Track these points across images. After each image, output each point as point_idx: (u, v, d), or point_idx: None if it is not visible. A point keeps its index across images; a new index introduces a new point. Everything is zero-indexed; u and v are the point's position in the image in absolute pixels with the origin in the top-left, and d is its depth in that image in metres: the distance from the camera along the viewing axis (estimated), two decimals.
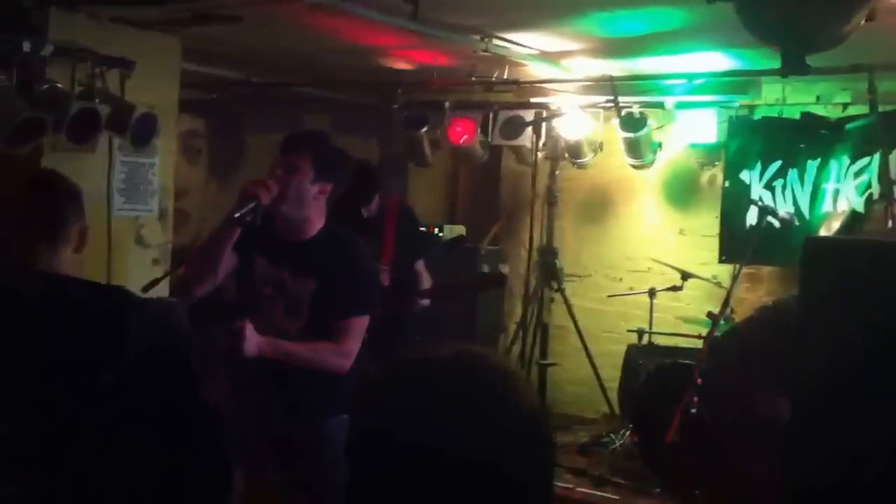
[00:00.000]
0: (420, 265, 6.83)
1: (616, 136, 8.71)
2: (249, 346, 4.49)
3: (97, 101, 6.90)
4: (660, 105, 8.65)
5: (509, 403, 1.60)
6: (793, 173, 8.18)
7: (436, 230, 9.47)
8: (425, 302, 6.81)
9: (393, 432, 1.56)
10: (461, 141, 9.24)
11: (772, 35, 4.84)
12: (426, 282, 6.85)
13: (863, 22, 4.64)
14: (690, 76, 7.97)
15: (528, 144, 9.15)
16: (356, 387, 4.90)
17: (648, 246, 9.36)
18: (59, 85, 6.77)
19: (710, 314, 7.37)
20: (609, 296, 9.16)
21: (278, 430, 4.77)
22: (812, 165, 8.06)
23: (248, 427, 4.73)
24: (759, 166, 8.36)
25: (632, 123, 8.55)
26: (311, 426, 4.74)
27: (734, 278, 7.30)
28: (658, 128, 8.75)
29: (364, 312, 4.80)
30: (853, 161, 7.83)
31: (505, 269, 8.88)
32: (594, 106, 8.94)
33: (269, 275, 4.75)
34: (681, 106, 8.56)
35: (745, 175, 8.42)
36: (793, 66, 4.83)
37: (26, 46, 6.58)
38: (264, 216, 4.56)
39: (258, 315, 4.68)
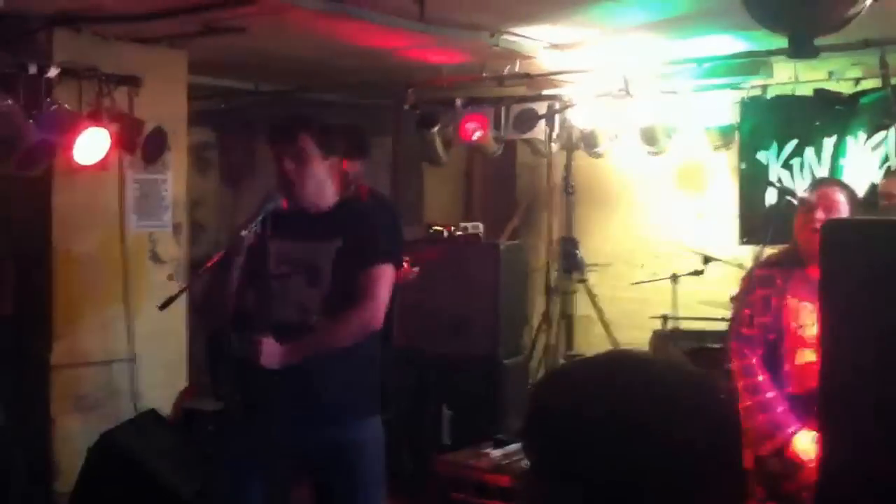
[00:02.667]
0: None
1: (630, 123, 8.63)
2: (270, 359, 4.46)
3: (106, 119, 6.90)
4: (672, 90, 8.57)
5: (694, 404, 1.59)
6: (809, 151, 8.11)
7: (453, 228, 9.42)
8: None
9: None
10: (474, 137, 9.17)
11: (778, 20, 4.79)
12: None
13: (870, 1, 4.59)
14: (700, 60, 7.90)
15: (542, 137, 9.09)
16: (383, 388, 4.87)
17: (668, 231, 9.29)
18: (66, 106, 6.77)
19: (734, 297, 7.31)
20: (632, 283, 9.10)
21: (306, 435, 4.64)
22: (828, 142, 7.99)
23: (276, 433, 4.65)
24: (774, 146, 8.29)
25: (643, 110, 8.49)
26: (339, 429, 4.64)
27: (756, 259, 7.24)
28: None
29: (387, 260, 4.71)
30: (869, 136, 7.75)
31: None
32: (606, 95, 8.87)
33: (285, 252, 4.69)
34: (693, 90, 8.48)
35: (761, 155, 8.36)
36: (801, 50, 4.78)
37: (32, 69, 6.58)
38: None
39: (278, 297, 4.65)
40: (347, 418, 4.67)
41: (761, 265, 5.54)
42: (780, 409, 5.06)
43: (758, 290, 5.25)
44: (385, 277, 4.66)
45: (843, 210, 5.06)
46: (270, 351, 4.46)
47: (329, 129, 4.78)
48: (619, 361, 1.69)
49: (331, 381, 4.60)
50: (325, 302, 4.61)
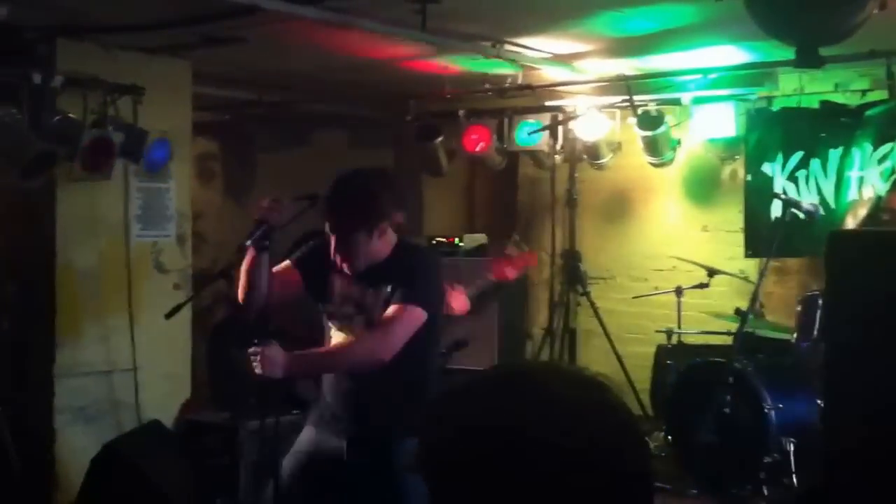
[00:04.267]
0: None
1: (634, 134, 8.61)
2: (273, 368, 4.42)
3: (110, 129, 6.89)
4: (676, 102, 8.54)
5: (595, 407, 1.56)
6: (815, 163, 8.07)
7: (456, 240, 9.40)
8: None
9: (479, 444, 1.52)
10: (477, 149, 9.16)
11: (784, 30, 4.78)
12: None
13: (876, 11, 4.57)
14: (705, 71, 7.89)
15: (546, 148, 9.08)
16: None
17: (672, 244, 9.25)
18: (71, 115, 6.76)
19: (738, 310, 7.30)
20: (635, 297, 9.06)
21: (344, 455, 4.65)
22: (834, 154, 7.95)
23: (314, 451, 4.71)
24: (780, 158, 8.25)
25: (649, 122, 8.46)
26: (379, 451, 4.56)
27: (761, 272, 7.22)
28: (676, 125, 8.64)
29: (413, 301, 4.57)
30: (876, 147, 7.71)
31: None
32: (610, 106, 8.85)
33: (348, 292, 4.70)
34: (697, 101, 8.45)
35: (766, 168, 8.32)
36: (807, 59, 4.77)
37: (36, 79, 6.58)
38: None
39: (343, 333, 4.69)
40: (388, 440, 4.57)
41: None
42: None
43: None
44: (406, 316, 4.54)
45: None
46: (273, 358, 4.41)
47: (376, 201, 4.72)
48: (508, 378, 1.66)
49: (376, 403, 4.61)
50: None
